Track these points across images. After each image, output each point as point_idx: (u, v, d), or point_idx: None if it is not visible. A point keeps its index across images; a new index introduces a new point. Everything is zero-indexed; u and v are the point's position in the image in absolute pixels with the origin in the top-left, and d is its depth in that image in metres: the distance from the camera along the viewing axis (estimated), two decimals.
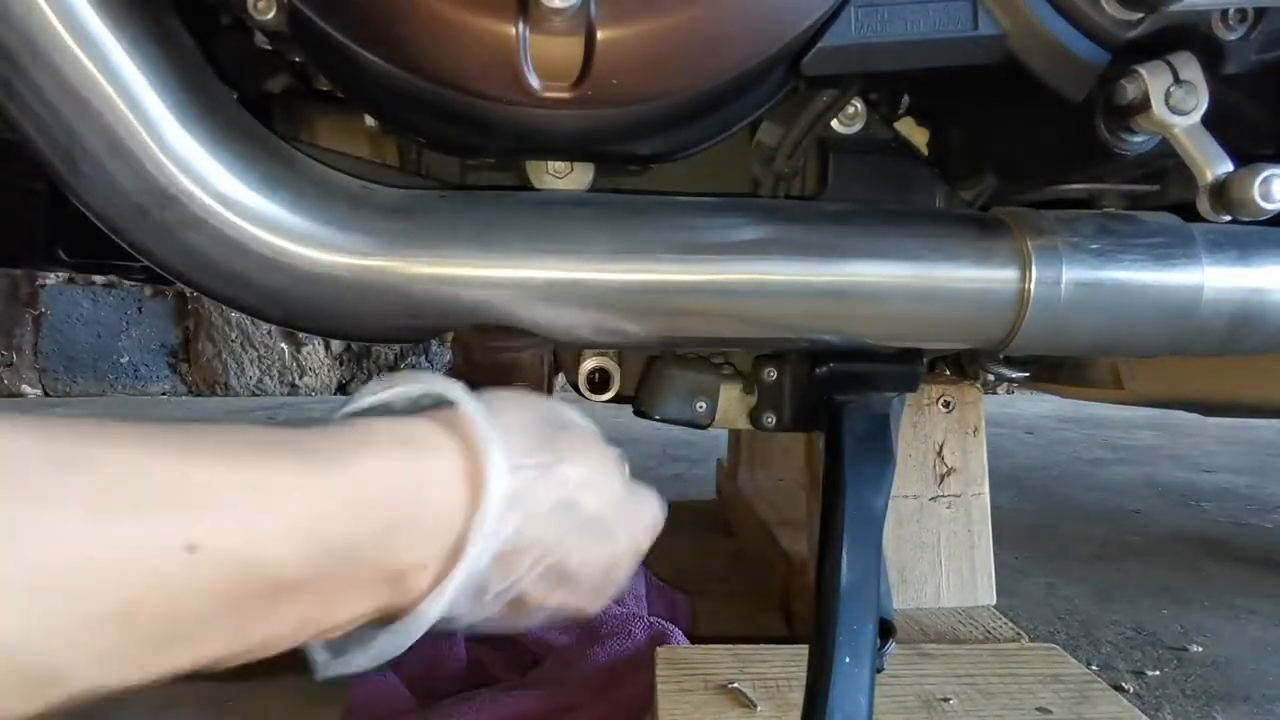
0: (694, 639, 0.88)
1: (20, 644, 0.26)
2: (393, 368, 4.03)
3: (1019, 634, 0.87)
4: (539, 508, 0.40)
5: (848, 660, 0.50)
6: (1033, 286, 0.54)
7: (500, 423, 0.39)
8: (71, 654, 0.27)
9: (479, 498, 0.37)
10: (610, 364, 0.65)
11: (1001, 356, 0.79)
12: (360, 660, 0.37)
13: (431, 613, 0.37)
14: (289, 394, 3.98)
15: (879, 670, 0.51)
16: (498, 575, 0.39)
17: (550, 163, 0.56)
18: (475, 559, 0.37)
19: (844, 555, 0.52)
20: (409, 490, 0.36)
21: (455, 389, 0.40)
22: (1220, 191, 0.45)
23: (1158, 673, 1.01)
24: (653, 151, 0.54)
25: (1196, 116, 0.45)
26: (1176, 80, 0.45)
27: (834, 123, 0.59)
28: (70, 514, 0.27)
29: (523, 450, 0.40)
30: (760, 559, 1.21)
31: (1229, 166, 0.46)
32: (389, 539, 0.35)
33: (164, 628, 0.29)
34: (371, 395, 0.40)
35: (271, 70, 0.58)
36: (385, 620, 0.37)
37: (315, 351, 4.00)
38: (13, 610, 0.25)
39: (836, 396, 0.61)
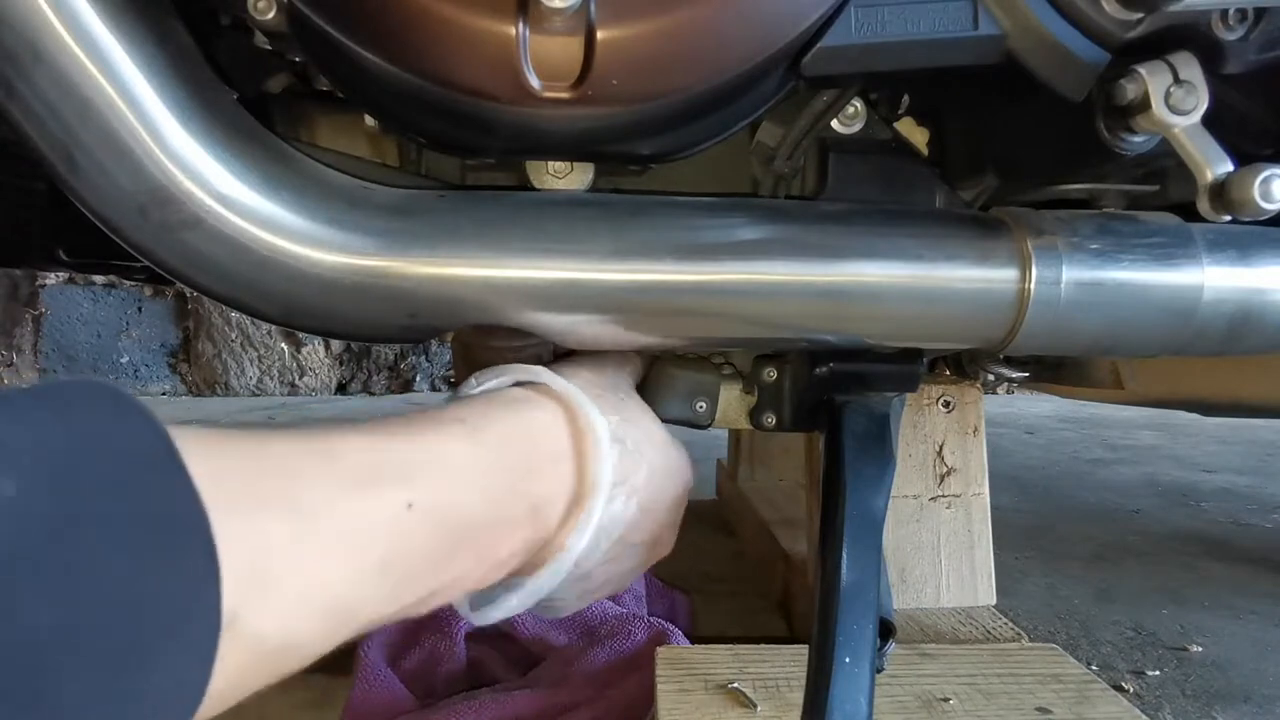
0: (694, 639, 0.88)
1: (335, 590, 0.33)
2: (392, 368, 4.03)
3: (1019, 634, 0.87)
4: (627, 448, 0.49)
5: (848, 660, 0.50)
6: (1033, 286, 0.54)
7: (579, 382, 0.49)
8: (361, 594, 0.35)
9: (582, 439, 0.46)
10: None
11: (1001, 356, 0.79)
12: (513, 601, 0.46)
13: (577, 547, 0.45)
14: (289, 394, 3.98)
15: (879, 670, 0.51)
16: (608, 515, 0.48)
17: (550, 163, 0.56)
18: (603, 487, 0.46)
19: (844, 555, 0.52)
20: (530, 435, 0.45)
21: (536, 369, 0.49)
22: (1220, 191, 0.45)
23: (1158, 673, 1.01)
24: (653, 151, 0.54)
25: (1196, 116, 0.45)
26: (1176, 80, 0.45)
27: (834, 123, 0.59)
28: (342, 492, 0.35)
29: (607, 405, 0.49)
30: (760, 559, 1.21)
31: (1229, 166, 0.46)
32: (527, 475, 0.44)
33: (402, 570, 0.37)
34: (478, 386, 0.48)
35: (271, 70, 0.58)
36: (525, 572, 0.46)
37: (315, 351, 4.00)
38: (326, 564, 0.33)
39: (836, 396, 0.61)
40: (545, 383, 0.48)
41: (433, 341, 0.58)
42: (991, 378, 0.85)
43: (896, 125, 0.61)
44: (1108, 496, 1.90)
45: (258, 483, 0.32)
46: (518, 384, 0.49)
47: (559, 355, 0.59)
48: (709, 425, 0.65)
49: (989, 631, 0.88)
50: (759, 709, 0.68)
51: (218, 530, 0.28)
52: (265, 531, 0.31)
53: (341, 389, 4.04)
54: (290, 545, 0.32)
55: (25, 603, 0.23)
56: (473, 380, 0.48)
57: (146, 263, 0.50)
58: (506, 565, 0.44)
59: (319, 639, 0.33)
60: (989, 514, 0.95)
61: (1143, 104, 0.46)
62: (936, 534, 0.94)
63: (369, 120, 0.57)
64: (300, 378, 4.03)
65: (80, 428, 0.27)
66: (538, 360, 0.56)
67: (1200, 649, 1.08)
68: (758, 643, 0.79)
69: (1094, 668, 1.01)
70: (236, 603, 0.29)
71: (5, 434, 0.25)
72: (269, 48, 0.54)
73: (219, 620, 0.28)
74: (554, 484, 0.45)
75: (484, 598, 0.47)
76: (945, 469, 0.95)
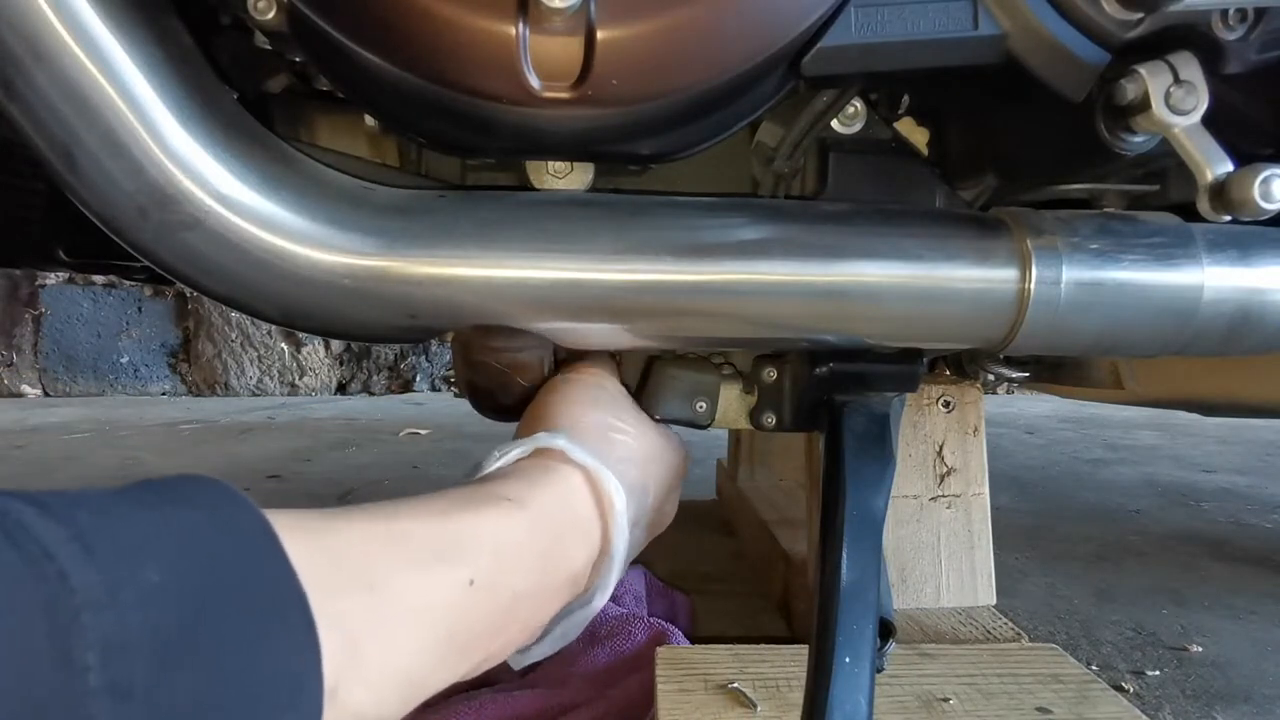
0: (694, 639, 0.88)
1: (410, 662, 0.36)
2: (392, 368, 4.03)
3: (1019, 634, 0.87)
4: (633, 469, 0.53)
5: (848, 660, 0.50)
6: (1033, 286, 0.54)
7: (590, 443, 0.50)
8: (430, 665, 0.37)
9: (604, 505, 0.48)
10: None
11: (1001, 356, 0.79)
12: (542, 648, 0.49)
13: (600, 605, 0.49)
14: (289, 394, 3.98)
15: (879, 670, 0.51)
16: (641, 524, 0.54)
17: (550, 163, 0.56)
18: (620, 553, 0.49)
19: (844, 555, 0.52)
20: (566, 508, 0.47)
21: (554, 439, 0.49)
22: (1220, 191, 0.45)
23: (1158, 673, 1.01)
24: (653, 151, 0.54)
25: (1196, 116, 0.45)
26: (1176, 80, 0.45)
27: (834, 123, 0.59)
28: (412, 570, 0.37)
29: (616, 456, 0.52)
30: (760, 559, 1.21)
31: (1229, 166, 0.46)
32: (564, 546, 0.46)
33: (464, 641, 0.39)
34: (500, 457, 0.49)
35: (271, 70, 0.58)
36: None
37: (315, 351, 4.00)
38: (403, 639, 0.35)
39: (836, 396, 0.61)
40: (564, 450, 0.49)
41: (433, 341, 0.58)
42: (991, 378, 0.85)
43: (896, 125, 0.61)
44: (1108, 496, 1.90)
45: (339, 564, 0.34)
46: (538, 450, 0.50)
47: (560, 357, 0.59)
48: (709, 425, 0.65)
49: (989, 631, 0.88)
50: (759, 709, 0.67)
51: (313, 609, 0.30)
52: (351, 610, 0.33)
53: (341, 389, 4.04)
54: (372, 622, 0.34)
55: (175, 681, 0.25)
56: (495, 452, 0.50)
57: (146, 263, 0.50)
58: (545, 627, 0.47)
59: (397, 709, 0.36)
60: (989, 514, 0.95)
61: (1143, 104, 0.46)
62: (936, 534, 0.94)
63: (369, 120, 0.57)
64: (300, 378, 4.03)
65: (201, 517, 0.29)
66: (539, 360, 0.56)
67: (1200, 649, 1.08)
68: (758, 643, 0.78)
69: (1094, 668, 1.01)
70: (335, 678, 0.31)
71: (145, 524, 0.27)
72: (269, 48, 0.54)
73: (322, 694, 0.30)
74: (586, 551, 0.48)
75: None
76: (945, 469, 0.95)
